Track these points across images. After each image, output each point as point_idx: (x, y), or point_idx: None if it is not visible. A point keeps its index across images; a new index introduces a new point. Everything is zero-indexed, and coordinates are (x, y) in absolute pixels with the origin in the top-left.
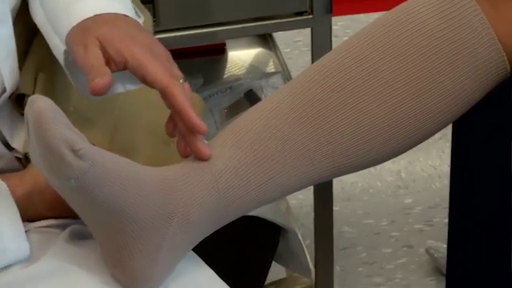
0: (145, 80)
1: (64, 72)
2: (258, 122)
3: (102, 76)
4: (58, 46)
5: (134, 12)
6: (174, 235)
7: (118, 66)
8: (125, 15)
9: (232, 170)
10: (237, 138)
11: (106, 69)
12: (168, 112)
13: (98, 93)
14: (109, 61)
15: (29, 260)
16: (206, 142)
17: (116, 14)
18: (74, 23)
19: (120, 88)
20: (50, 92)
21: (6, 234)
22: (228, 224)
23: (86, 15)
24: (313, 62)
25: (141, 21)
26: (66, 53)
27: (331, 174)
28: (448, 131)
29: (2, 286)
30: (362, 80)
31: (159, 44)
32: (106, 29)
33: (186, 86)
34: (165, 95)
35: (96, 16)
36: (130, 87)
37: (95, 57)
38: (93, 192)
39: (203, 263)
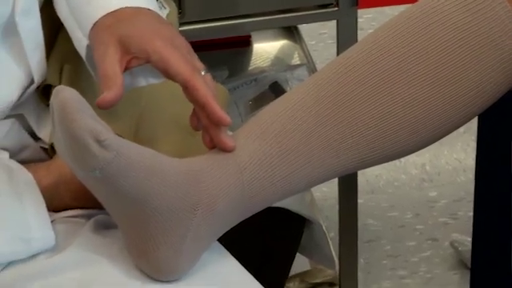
0: (167, 74)
1: None
2: (283, 113)
3: (110, 89)
4: (80, 41)
5: (155, 4)
6: (199, 226)
7: (140, 61)
8: (147, 9)
9: (257, 162)
10: (261, 129)
11: (118, 80)
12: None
13: (103, 107)
14: (131, 58)
15: (54, 250)
16: (231, 133)
17: (138, 7)
18: (97, 17)
19: (142, 82)
20: (75, 83)
21: (31, 224)
22: (253, 215)
23: (108, 9)
24: (338, 54)
25: (165, 12)
26: (89, 47)
27: (356, 166)
28: (473, 124)
29: (27, 275)
30: (388, 73)
31: (180, 36)
32: (127, 26)
33: (208, 77)
34: (187, 89)
35: (118, 12)
36: (152, 81)
37: (110, 64)
38: (117, 183)
39: (228, 254)
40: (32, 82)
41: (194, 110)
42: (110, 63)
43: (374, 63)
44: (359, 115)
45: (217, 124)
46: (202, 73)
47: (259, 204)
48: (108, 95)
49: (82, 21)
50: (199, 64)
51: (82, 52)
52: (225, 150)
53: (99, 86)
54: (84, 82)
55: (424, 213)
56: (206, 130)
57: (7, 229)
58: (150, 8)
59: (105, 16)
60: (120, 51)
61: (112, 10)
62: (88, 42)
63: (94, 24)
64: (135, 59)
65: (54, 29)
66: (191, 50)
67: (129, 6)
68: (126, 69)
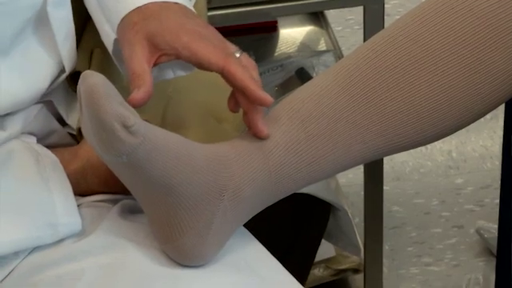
0: (201, 66)
1: None
2: (310, 99)
3: (139, 88)
4: (108, 35)
5: None
6: (225, 212)
7: (170, 57)
8: (174, 2)
9: (283, 148)
10: (288, 115)
11: (146, 78)
12: (220, 90)
13: (134, 106)
14: (161, 55)
15: (80, 234)
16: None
17: (164, 1)
18: (125, 13)
19: (170, 74)
20: (104, 68)
21: (58, 209)
22: (279, 201)
23: (135, 4)
24: (364, 40)
25: (192, 2)
26: (116, 41)
27: (382, 152)
28: (500, 111)
29: (54, 260)
30: (415, 59)
31: (208, 26)
32: (154, 23)
33: (244, 57)
34: (224, 76)
35: (144, 7)
36: (180, 73)
37: (138, 62)
38: (144, 168)
39: (255, 239)
40: (62, 71)
41: (232, 92)
42: (139, 61)
43: (400, 50)
44: (385, 101)
45: (260, 104)
46: (237, 55)
47: (285, 190)
48: (138, 95)
49: (110, 15)
50: (232, 47)
51: (110, 46)
52: (259, 136)
53: (128, 83)
54: (113, 67)
55: (450, 200)
56: (245, 113)
57: (34, 214)
58: (178, 1)
59: (132, 12)
60: (148, 49)
61: (139, 5)
62: (116, 36)
63: (122, 19)
64: (164, 56)
65: (83, 18)
66: (220, 36)
67: (155, 0)
68: (156, 65)
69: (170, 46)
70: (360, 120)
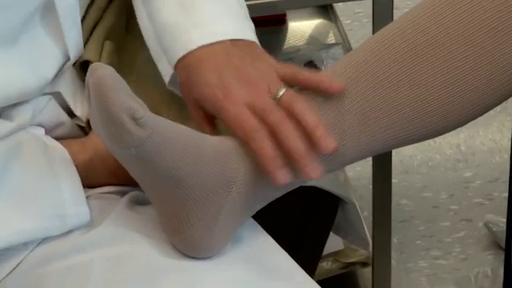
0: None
1: (130, 41)
2: (318, 92)
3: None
4: (164, 69)
5: (244, 24)
6: (233, 204)
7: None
8: (225, 41)
9: None
10: None
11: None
12: None
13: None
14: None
15: (88, 225)
16: None
17: (222, 43)
18: (180, 56)
19: None
20: (114, 60)
21: (66, 200)
22: (287, 194)
23: (187, 49)
24: (373, 33)
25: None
26: (173, 76)
27: (390, 145)
28: (509, 104)
29: (62, 251)
30: (424, 52)
31: (257, 67)
32: (197, 84)
33: (288, 94)
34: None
35: (193, 54)
36: None
37: (195, 119)
38: (152, 161)
39: (263, 231)
40: (68, 59)
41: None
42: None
43: (410, 42)
44: (395, 94)
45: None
46: (281, 92)
47: (293, 182)
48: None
49: (167, 52)
50: (276, 86)
51: (166, 78)
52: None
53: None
54: (123, 59)
55: (458, 193)
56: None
57: (42, 204)
58: (228, 36)
59: (182, 60)
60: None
61: (191, 49)
62: (173, 71)
63: (177, 61)
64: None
65: (101, 4)
66: (270, 73)
67: (206, 43)
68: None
69: (215, 112)
70: (369, 113)
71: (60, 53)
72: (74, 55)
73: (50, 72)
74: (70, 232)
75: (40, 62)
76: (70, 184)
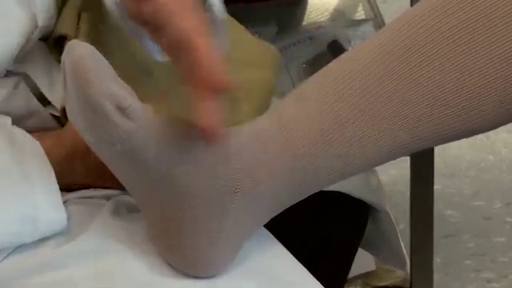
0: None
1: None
2: (341, 79)
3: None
4: None
5: None
6: (239, 212)
7: None
8: None
9: (309, 138)
10: (316, 97)
11: None
12: (236, 67)
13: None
14: None
15: (65, 236)
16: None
17: None
18: None
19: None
20: (95, 35)
21: (39, 202)
22: (307, 200)
23: None
24: (411, 6)
25: None
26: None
27: (429, 140)
28: None
29: (31, 268)
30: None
31: None
32: None
33: None
34: None
35: None
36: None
37: None
38: (141, 159)
39: (279, 244)
40: (36, 26)
41: None
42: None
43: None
44: (432, 82)
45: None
46: None
47: (311, 186)
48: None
49: None
50: None
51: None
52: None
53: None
54: (105, 34)
55: None
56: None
57: (10, 207)
58: None
59: None
60: None
61: None
62: None
63: None
64: None
65: None
66: None
67: None
68: None
69: None
70: (401, 104)
71: (26, 17)
72: (42, 20)
73: (13, 43)
74: (41, 243)
75: (4, 27)
76: (42, 182)
